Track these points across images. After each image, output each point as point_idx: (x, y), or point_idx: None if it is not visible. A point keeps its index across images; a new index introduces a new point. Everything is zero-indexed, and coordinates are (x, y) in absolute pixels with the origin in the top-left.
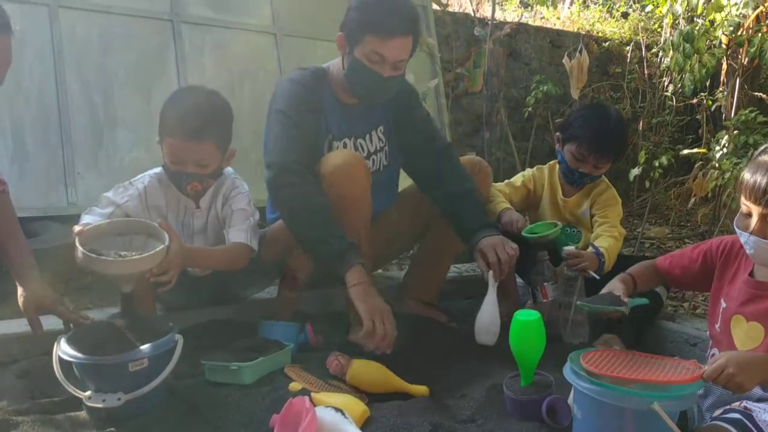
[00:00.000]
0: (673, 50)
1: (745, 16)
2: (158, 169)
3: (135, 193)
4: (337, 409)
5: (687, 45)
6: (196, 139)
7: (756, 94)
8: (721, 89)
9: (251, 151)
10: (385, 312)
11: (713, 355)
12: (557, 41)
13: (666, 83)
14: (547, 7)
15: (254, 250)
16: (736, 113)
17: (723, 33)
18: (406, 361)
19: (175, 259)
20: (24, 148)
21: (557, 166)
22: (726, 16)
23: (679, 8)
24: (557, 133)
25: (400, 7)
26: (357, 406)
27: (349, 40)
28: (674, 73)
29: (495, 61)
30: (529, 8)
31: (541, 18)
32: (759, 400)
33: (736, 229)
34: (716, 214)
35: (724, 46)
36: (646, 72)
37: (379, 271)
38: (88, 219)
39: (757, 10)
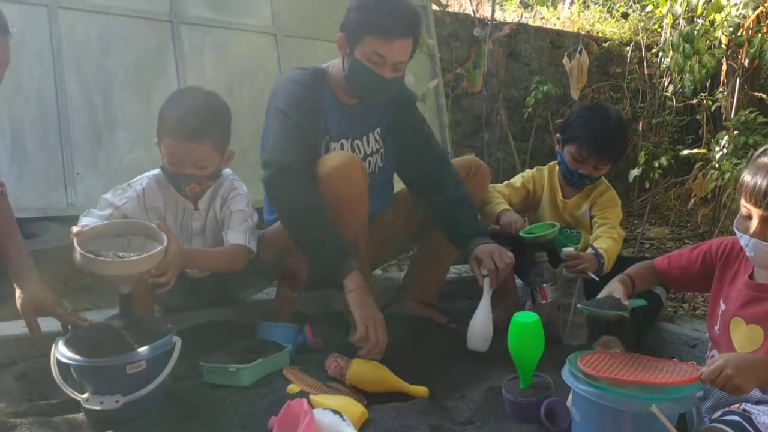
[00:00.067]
0: (673, 51)
1: (745, 17)
2: (156, 171)
3: (133, 195)
4: (336, 412)
5: (687, 45)
6: (194, 140)
7: (756, 94)
8: (721, 90)
9: (250, 151)
10: (378, 320)
11: (712, 356)
12: (557, 41)
13: (666, 83)
14: (547, 7)
15: (253, 252)
16: (736, 114)
17: (723, 33)
18: (405, 362)
19: (174, 261)
20: (23, 149)
21: (557, 167)
22: (726, 17)
23: (678, 8)
24: (557, 135)
25: (401, 8)
26: (355, 408)
27: (350, 41)
28: (674, 74)
29: (494, 61)
30: (529, 8)
31: (541, 18)
32: (758, 402)
33: (736, 231)
34: (716, 214)
35: (723, 46)
36: (646, 72)
37: (379, 272)
38: (87, 221)
39: (757, 11)
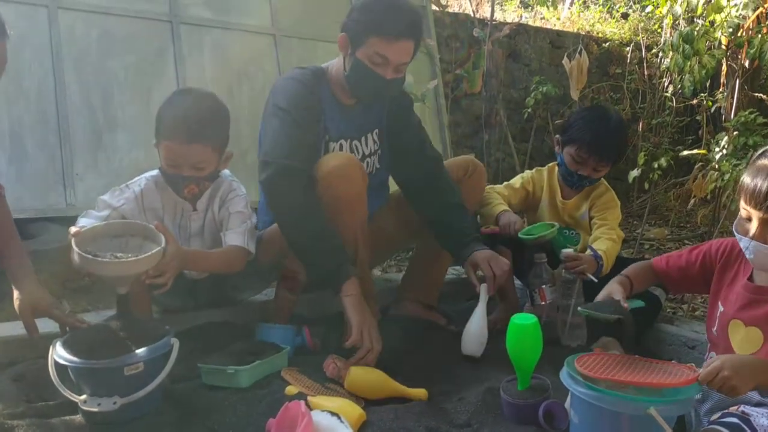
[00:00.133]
0: (673, 51)
1: (744, 17)
2: (155, 172)
3: (131, 196)
4: (333, 413)
5: (687, 46)
6: (192, 142)
7: (756, 95)
8: (721, 90)
9: (249, 153)
10: (373, 327)
11: (711, 358)
12: (557, 42)
13: (666, 84)
14: (548, 7)
15: (251, 253)
16: (735, 114)
17: (723, 34)
18: (404, 364)
19: (172, 262)
20: (23, 149)
21: (556, 168)
22: (726, 17)
23: (679, 9)
24: (557, 136)
25: (404, 10)
26: (353, 410)
27: (352, 41)
28: (674, 74)
29: (494, 62)
30: (530, 8)
31: (541, 18)
32: (758, 404)
33: (736, 233)
34: (716, 215)
35: (723, 47)
36: (646, 73)
37: (378, 273)
38: (85, 222)
39: (757, 11)
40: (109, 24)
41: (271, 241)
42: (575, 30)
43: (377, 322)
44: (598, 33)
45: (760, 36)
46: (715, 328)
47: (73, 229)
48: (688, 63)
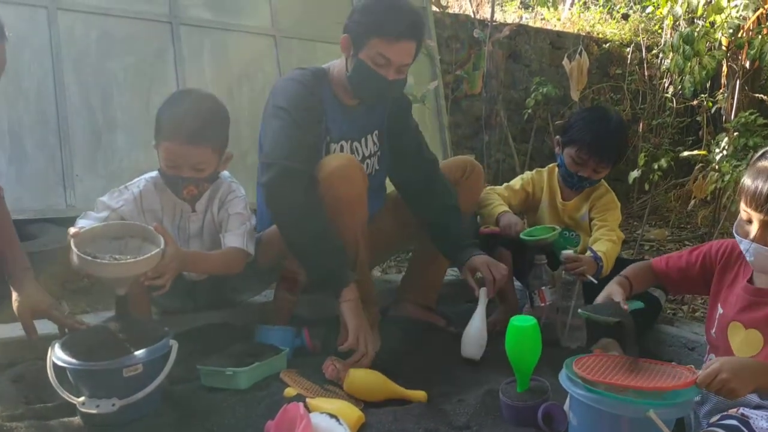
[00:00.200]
0: (673, 52)
1: (745, 18)
2: (154, 173)
3: (130, 197)
4: (332, 416)
5: (687, 47)
6: (192, 143)
7: (756, 95)
8: (721, 91)
9: (250, 153)
10: (369, 332)
11: (710, 360)
12: (557, 43)
13: (666, 85)
14: (548, 8)
15: (251, 255)
16: (736, 115)
17: (723, 35)
18: (403, 365)
19: (171, 263)
20: (22, 150)
21: (556, 169)
22: (726, 18)
23: (679, 10)
24: (557, 137)
25: (407, 11)
26: (352, 412)
27: (355, 43)
28: (674, 75)
29: (494, 63)
30: (530, 9)
31: (542, 19)
32: (757, 407)
33: (736, 235)
34: (716, 216)
35: (724, 48)
36: (646, 73)
37: (378, 274)
38: (83, 223)
39: (758, 12)
40: (108, 25)
41: (271, 242)
42: (575, 31)
43: (378, 324)
44: (598, 34)
45: (760, 37)
46: (714, 330)
47: (72, 230)
48: (689, 64)
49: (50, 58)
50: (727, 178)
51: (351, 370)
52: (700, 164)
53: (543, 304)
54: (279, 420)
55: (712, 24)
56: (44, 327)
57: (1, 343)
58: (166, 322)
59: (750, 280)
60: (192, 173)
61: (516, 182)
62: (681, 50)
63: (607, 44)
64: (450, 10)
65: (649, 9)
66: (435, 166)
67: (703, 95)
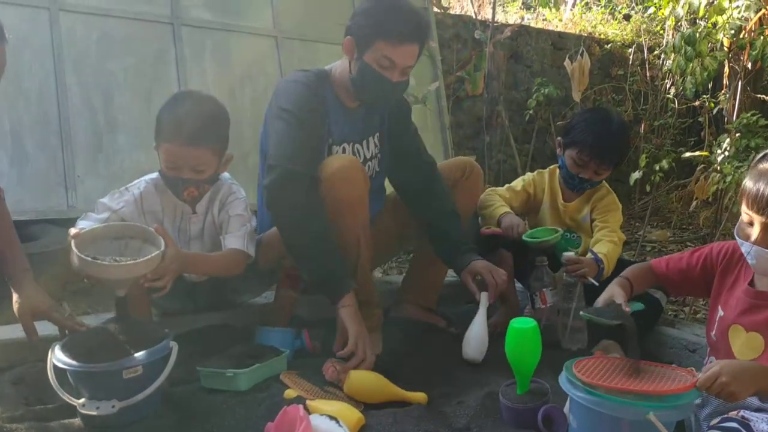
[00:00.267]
0: (675, 53)
1: (747, 19)
2: (154, 175)
3: (131, 199)
4: (332, 417)
5: (689, 48)
6: (192, 144)
7: (758, 96)
8: (723, 92)
9: (251, 155)
10: (367, 338)
11: (710, 362)
12: (559, 43)
13: (668, 86)
14: (550, 9)
15: (251, 257)
16: (738, 116)
17: (725, 36)
18: (404, 367)
19: (171, 265)
20: (24, 151)
21: (557, 170)
22: (728, 19)
23: (681, 11)
24: (558, 138)
25: (411, 13)
26: (352, 413)
27: (359, 45)
28: (676, 76)
29: (496, 63)
30: (532, 10)
31: (543, 20)
32: (757, 410)
33: (737, 238)
34: (718, 217)
35: (725, 48)
36: (648, 74)
37: (379, 275)
38: (84, 224)
39: (759, 13)
40: (109, 26)
41: (271, 244)
42: (577, 31)
43: (380, 326)
44: (600, 34)
45: (762, 38)
46: (714, 333)
47: (72, 231)
48: (691, 65)
49: (52, 58)
50: (728, 179)
51: (351, 372)
52: (702, 165)
53: (544, 306)
54: (279, 422)
55: (714, 25)
56: (44, 328)
57: (1, 344)
58: (166, 324)
59: (751, 283)
60: (192, 175)
61: (517, 183)
62: (683, 51)
63: (609, 45)
64: (451, 11)
65: (651, 10)
66: (433, 168)
67: (704, 96)
